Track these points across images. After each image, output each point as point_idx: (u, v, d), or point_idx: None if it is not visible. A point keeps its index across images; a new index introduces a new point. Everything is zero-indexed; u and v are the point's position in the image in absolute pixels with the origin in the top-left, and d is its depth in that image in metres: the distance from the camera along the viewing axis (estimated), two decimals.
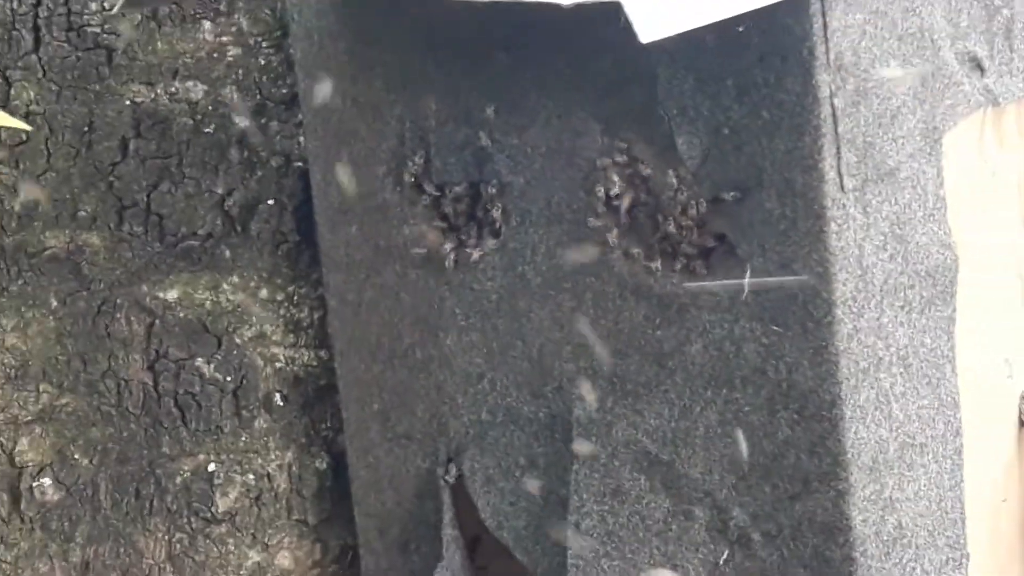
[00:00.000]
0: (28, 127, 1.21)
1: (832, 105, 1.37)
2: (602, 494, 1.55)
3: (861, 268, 1.41)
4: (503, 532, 1.64)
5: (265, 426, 1.87)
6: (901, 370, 1.46)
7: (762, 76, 1.38)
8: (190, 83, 1.83)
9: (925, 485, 1.50)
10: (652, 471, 1.52)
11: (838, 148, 1.38)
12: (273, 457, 1.88)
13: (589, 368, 1.55)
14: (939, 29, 1.46)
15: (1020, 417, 1.66)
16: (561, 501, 1.58)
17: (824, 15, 1.35)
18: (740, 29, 1.31)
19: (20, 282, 1.85)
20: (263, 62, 1.85)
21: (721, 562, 1.51)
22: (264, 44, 1.84)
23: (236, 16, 1.82)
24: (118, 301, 1.84)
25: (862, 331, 1.42)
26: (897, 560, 1.48)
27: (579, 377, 1.55)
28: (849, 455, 1.43)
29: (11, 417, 1.87)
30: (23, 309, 1.85)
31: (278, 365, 1.88)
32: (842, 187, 1.39)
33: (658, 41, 1.18)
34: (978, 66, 1.51)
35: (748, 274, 1.44)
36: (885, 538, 1.46)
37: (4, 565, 1.89)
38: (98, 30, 1.80)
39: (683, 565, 1.52)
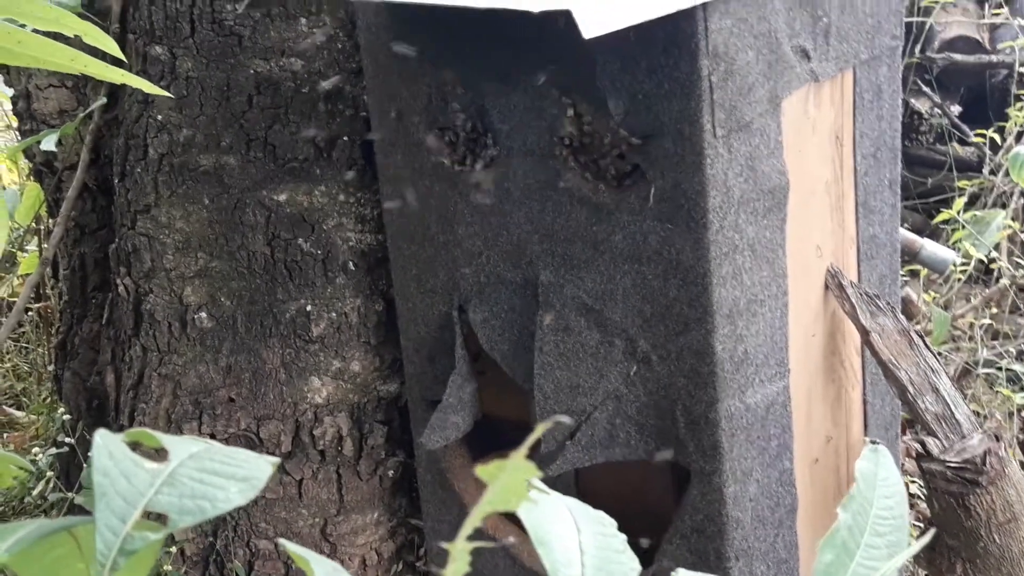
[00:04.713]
0: (170, 94, 1.10)
1: (709, 80, 1.34)
2: (556, 329, 1.55)
3: (725, 187, 1.39)
4: (494, 352, 1.64)
5: (343, 282, 1.86)
6: (750, 253, 1.45)
7: (664, 60, 1.35)
8: (292, 59, 1.78)
9: (763, 327, 1.50)
10: (588, 316, 1.52)
11: (712, 108, 1.35)
12: (348, 302, 1.87)
13: (549, 250, 1.53)
14: (781, 30, 1.42)
15: (825, 282, 1.65)
16: (530, 333, 1.58)
17: (706, 20, 1.31)
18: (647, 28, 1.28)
19: (184, 187, 1.83)
20: (340, 45, 1.80)
21: (631, 374, 1.51)
22: (341, 33, 1.80)
23: (322, 14, 1.77)
24: (247, 200, 1.82)
25: (725, 228, 1.41)
26: (743, 373, 1.48)
27: (543, 255, 1.54)
28: (714, 307, 1.42)
29: (180, 274, 1.86)
30: (186, 204, 1.83)
31: (351, 244, 1.86)
32: (715, 134, 1.36)
33: (597, 37, 1.14)
34: (806, 55, 1.48)
35: (652, 189, 1.42)
36: (736, 360, 1.46)
37: (176, 367, 1.89)
38: (232, 22, 1.76)
39: (607, 375, 1.53)
